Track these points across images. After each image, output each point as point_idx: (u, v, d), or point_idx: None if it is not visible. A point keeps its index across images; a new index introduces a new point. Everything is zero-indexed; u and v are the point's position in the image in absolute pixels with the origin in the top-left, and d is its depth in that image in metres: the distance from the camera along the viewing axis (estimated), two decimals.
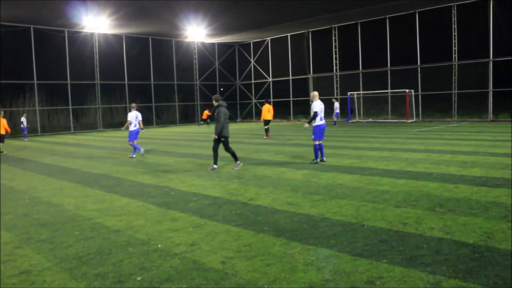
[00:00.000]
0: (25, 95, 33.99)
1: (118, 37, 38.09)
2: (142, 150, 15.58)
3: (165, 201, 8.24)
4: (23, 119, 29.03)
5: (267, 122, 22.79)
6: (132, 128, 15.64)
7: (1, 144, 19.32)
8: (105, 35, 37.06)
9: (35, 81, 33.85)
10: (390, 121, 29.78)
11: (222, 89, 46.77)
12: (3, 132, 19.43)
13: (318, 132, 12.33)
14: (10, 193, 9.81)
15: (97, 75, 37.09)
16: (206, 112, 36.89)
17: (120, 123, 38.13)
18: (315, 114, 12.22)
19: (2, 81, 31.35)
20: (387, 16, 35.02)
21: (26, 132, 28.85)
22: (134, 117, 15.74)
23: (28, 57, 33.10)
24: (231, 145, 12.15)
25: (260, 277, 4.47)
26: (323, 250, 5.20)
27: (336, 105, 30.11)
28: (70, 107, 35.67)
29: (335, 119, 30.03)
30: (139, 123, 15.83)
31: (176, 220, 6.83)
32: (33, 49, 33.30)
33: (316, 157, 12.54)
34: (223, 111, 11.79)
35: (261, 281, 4.37)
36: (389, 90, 34.78)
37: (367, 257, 4.92)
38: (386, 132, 23.59)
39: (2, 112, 20.29)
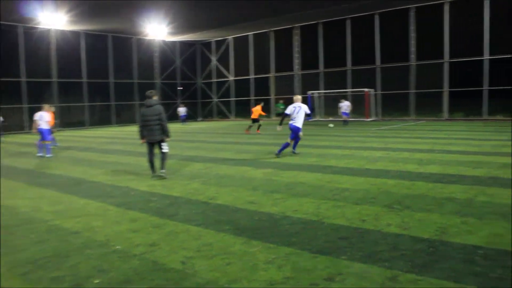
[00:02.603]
0: None
1: (76, 34, 37.14)
2: (41, 154, 16.24)
3: (124, 201, 8.10)
4: None
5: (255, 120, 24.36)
6: (42, 127, 16.23)
7: None
8: (62, 32, 36.05)
9: None
10: (350, 120, 30.23)
11: (181, 88, 46.36)
12: None
13: (292, 131, 13.54)
14: None
15: (54, 72, 36.05)
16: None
17: (79, 122, 37.40)
18: (286, 115, 13.66)
19: None
20: (348, 17, 35.56)
21: None
22: (39, 116, 16.39)
23: None
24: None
25: (221, 276, 4.45)
26: (283, 248, 5.22)
27: (341, 104, 29.23)
28: (25, 105, 34.47)
29: (344, 117, 29.06)
30: (46, 123, 16.40)
31: (136, 220, 6.73)
32: None
33: (279, 151, 13.60)
34: (142, 112, 10.51)
35: (221, 280, 4.36)
36: (349, 89, 35.33)
37: (327, 254, 4.98)
38: (346, 131, 23.95)
39: None
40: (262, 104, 25.32)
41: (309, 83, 38.28)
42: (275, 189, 8.74)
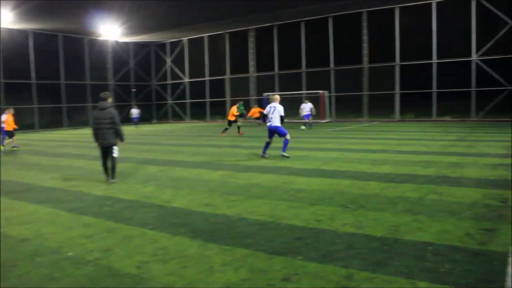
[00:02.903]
0: None
1: (23, 32, 35.78)
2: None
3: (77, 206, 7.87)
4: None
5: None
6: None
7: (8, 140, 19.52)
8: (9, 30, 34.65)
9: None
10: (306, 121, 30.54)
11: (135, 89, 45.63)
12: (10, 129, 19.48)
13: (268, 131, 13.62)
14: None
15: (0, 73, 34.63)
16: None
17: (28, 125, 36.03)
18: (265, 116, 13.76)
19: None
20: (302, 20, 36.00)
21: None
22: None
23: None
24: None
25: (177, 280, 4.40)
26: (240, 250, 5.21)
27: (303, 106, 27.23)
28: None
29: (306, 120, 27.16)
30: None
31: (89, 225, 6.55)
32: None
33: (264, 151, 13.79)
34: (95, 115, 10.09)
35: (178, 284, 4.31)
36: (304, 91, 35.74)
37: (283, 254, 5.01)
38: (302, 132, 24.21)
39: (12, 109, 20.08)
40: (237, 104, 25.53)
41: (264, 85, 38.50)
42: (231, 191, 8.72)
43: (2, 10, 29.26)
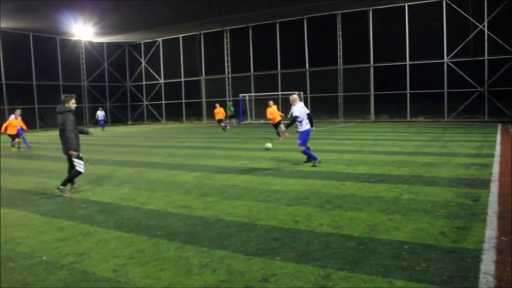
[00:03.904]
0: None
1: None
2: None
3: (50, 209, 7.72)
4: None
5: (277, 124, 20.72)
6: None
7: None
8: None
9: None
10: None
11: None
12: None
13: (303, 137, 11.66)
14: None
15: None
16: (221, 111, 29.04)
17: None
18: (295, 118, 11.59)
19: None
20: (277, 21, 36.15)
21: None
22: None
23: None
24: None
25: (154, 283, 4.36)
26: (217, 252, 5.19)
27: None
28: None
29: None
30: None
31: (64, 229, 6.43)
32: None
33: (315, 157, 11.74)
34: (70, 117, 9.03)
35: (155, 287, 4.26)
36: (279, 92, 35.87)
37: (261, 255, 5.01)
38: (275, 133, 24.21)
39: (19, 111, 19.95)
40: (226, 105, 26.40)
41: (240, 86, 38.49)
42: (207, 193, 8.69)
43: None
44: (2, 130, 19.45)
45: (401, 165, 11.13)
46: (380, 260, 4.71)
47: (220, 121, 27.64)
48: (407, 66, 31.62)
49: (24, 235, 6.20)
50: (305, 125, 11.71)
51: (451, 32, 29.88)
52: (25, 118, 22.30)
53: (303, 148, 11.74)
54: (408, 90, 31.83)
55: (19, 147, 19.37)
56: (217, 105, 28.02)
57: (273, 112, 20.99)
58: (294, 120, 11.68)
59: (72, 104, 9.18)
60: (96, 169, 12.43)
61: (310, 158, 11.88)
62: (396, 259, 4.72)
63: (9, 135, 19.28)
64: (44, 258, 5.22)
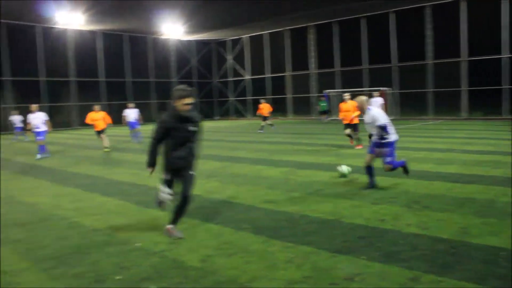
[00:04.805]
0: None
1: (93, 33, 37.48)
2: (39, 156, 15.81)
3: (144, 200, 8.15)
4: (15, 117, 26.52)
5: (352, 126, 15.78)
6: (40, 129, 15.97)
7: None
8: (79, 31, 36.41)
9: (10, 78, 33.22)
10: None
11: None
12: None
13: (392, 150, 8.35)
14: None
15: (72, 72, 36.46)
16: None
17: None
18: (384, 128, 8.18)
19: None
20: (362, 15, 35.26)
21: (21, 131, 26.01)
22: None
23: None
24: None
25: (240, 275, 4.48)
26: (302, 247, 5.22)
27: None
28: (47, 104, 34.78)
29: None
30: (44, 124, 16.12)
31: (156, 218, 6.76)
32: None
33: (402, 163, 8.73)
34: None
35: (241, 279, 4.38)
36: (365, 88, 35.03)
37: (346, 253, 4.97)
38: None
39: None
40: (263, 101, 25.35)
41: (325, 82, 38.09)
42: (291, 188, 8.74)
43: (75, 13, 30.77)
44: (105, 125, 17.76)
45: (495, 166, 10.44)
46: (473, 266, 4.48)
47: (265, 118, 24.77)
48: (503, 59, 29.34)
49: (121, 223, 6.62)
50: (394, 133, 8.42)
51: None
52: (120, 114, 23.34)
53: (391, 166, 8.41)
54: (504, 86, 29.61)
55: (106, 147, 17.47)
56: (263, 101, 25.73)
57: (348, 109, 15.71)
58: (382, 130, 8.21)
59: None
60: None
61: (398, 165, 8.64)
62: (491, 266, 4.46)
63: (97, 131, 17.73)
64: (139, 244, 5.55)
